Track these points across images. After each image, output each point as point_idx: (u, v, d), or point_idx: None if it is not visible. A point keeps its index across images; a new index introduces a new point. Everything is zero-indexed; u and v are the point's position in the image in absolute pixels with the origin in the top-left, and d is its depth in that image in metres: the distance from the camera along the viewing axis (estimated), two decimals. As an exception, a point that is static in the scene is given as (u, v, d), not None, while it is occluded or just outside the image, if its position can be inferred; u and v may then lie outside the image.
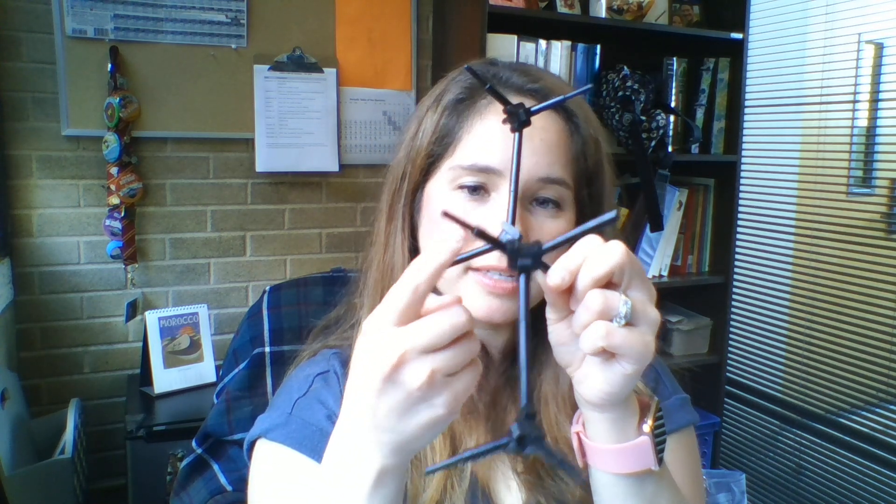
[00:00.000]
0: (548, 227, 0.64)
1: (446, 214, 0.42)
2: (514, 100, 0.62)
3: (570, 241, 0.44)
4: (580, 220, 0.67)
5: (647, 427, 0.51)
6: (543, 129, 0.63)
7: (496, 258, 0.60)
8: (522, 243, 0.43)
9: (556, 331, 0.50)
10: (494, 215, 0.62)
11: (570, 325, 0.48)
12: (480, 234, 0.41)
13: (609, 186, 0.69)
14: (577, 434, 0.54)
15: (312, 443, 0.65)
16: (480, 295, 0.62)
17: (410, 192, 0.68)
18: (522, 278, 0.43)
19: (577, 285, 0.45)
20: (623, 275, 0.45)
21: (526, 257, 0.42)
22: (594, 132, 0.67)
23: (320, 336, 0.78)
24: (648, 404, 0.53)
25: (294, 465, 0.65)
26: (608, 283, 0.46)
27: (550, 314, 0.50)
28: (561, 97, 0.49)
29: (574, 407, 0.67)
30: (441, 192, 0.65)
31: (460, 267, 0.62)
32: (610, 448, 0.51)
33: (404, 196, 0.68)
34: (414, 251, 0.69)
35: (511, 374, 0.71)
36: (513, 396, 0.70)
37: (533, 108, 0.48)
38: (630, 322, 0.45)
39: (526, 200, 0.63)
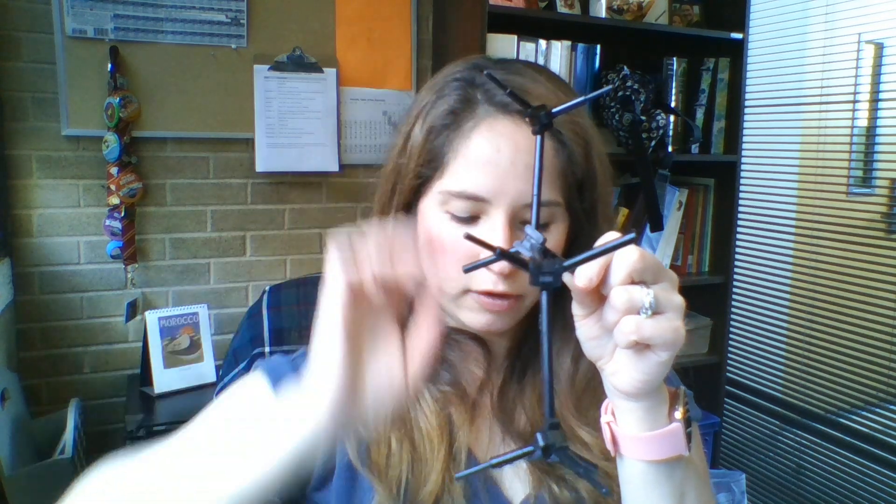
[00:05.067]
0: None
1: (469, 237, 0.46)
2: (500, 119, 0.64)
3: (588, 259, 0.46)
4: (574, 227, 0.68)
5: (678, 414, 0.52)
6: (528, 151, 0.62)
7: (492, 282, 0.63)
8: (544, 261, 0.45)
9: (585, 326, 0.51)
10: (485, 238, 0.63)
11: (598, 321, 0.50)
12: (503, 254, 0.44)
13: (604, 189, 0.69)
14: (608, 424, 0.54)
15: (279, 372, 0.66)
16: (479, 312, 0.65)
17: (402, 205, 0.69)
18: (544, 294, 0.45)
19: (603, 288, 0.48)
20: (640, 274, 0.47)
21: (547, 274, 0.45)
22: (583, 144, 0.66)
23: None
24: (676, 393, 0.54)
25: (256, 388, 0.66)
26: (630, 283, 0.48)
27: (577, 311, 0.51)
28: (582, 98, 0.50)
29: (578, 399, 0.68)
30: (433, 213, 0.66)
31: (460, 288, 0.65)
32: (644, 436, 0.52)
33: (394, 210, 0.70)
34: None
35: (515, 369, 0.72)
36: (520, 392, 0.71)
37: (554, 111, 0.48)
38: (657, 311, 0.47)
39: (516, 221, 0.64)
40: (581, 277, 0.47)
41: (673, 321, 0.47)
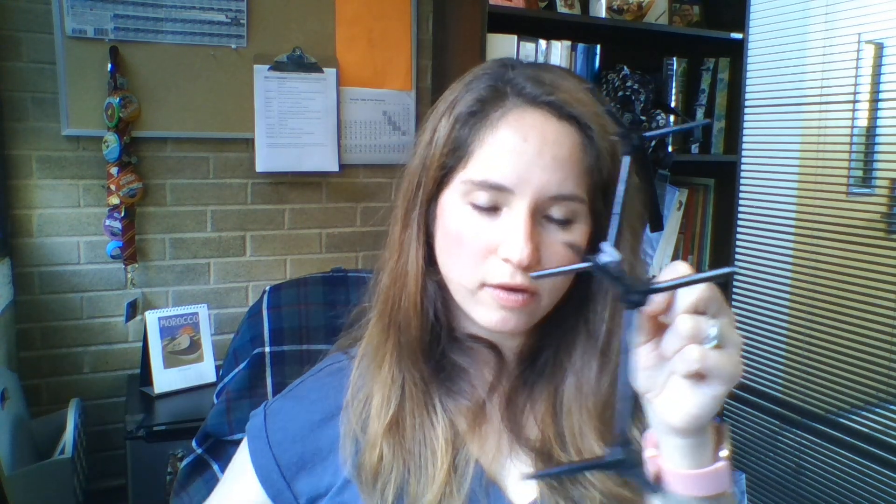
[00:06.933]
0: (559, 238, 0.63)
1: (569, 245, 0.49)
2: (528, 111, 0.63)
3: (680, 286, 0.46)
4: (595, 231, 0.66)
5: (724, 453, 0.52)
6: (556, 143, 0.61)
7: (509, 274, 0.61)
8: (633, 280, 0.46)
9: (639, 354, 0.50)
10: (505, 231, 0.62)
11: (653, 349, 0.49)
12: (598, 269, 0.46)
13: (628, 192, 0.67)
14: (653, 458, 0.53)
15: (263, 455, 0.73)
16: (494, 308, 0.63)
17: (425, 201, 0.68)
18: (633, 313, 0.46)
19: (669, 314, 0.48)
20: (706, 303, 0.47)
21: (635, 294, 0.45)
22: (611, 143, 0.65)
23: (344, 333, 0.79)
24: (721, 429, 0.53)
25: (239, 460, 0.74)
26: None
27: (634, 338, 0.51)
28: (677, 127, 0.51)
29: (599, 418, 0.66)
30: (454, 205, 0.65)
31: (476, 282, 0.63)
32: (691, 473, 0.51)
33: (419, 205, 0.68)
34: (429, 258, 0.68)
35: (527, 376, 0.70)
36: (530, 399, 0.70)
37: (647, 135, 0.49)
38: (719, 344, 0.46)
39: (538, 215, 0.62)
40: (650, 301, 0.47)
41: (734, 356, 0.47)
